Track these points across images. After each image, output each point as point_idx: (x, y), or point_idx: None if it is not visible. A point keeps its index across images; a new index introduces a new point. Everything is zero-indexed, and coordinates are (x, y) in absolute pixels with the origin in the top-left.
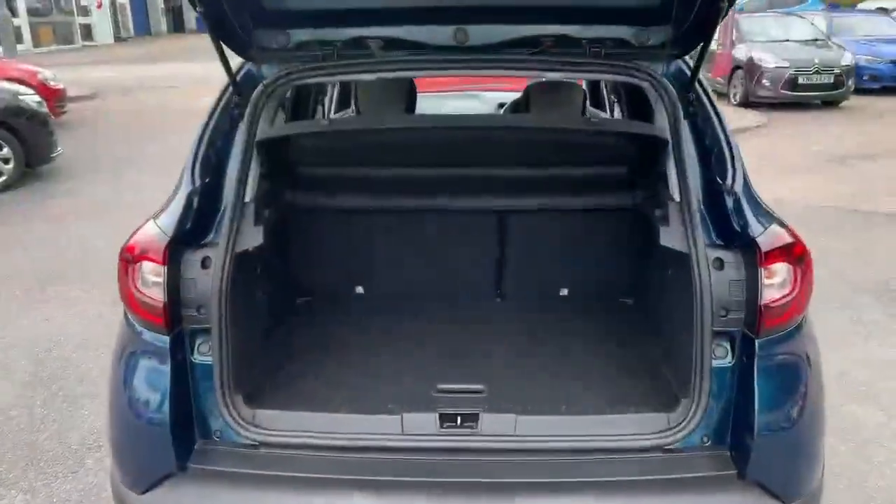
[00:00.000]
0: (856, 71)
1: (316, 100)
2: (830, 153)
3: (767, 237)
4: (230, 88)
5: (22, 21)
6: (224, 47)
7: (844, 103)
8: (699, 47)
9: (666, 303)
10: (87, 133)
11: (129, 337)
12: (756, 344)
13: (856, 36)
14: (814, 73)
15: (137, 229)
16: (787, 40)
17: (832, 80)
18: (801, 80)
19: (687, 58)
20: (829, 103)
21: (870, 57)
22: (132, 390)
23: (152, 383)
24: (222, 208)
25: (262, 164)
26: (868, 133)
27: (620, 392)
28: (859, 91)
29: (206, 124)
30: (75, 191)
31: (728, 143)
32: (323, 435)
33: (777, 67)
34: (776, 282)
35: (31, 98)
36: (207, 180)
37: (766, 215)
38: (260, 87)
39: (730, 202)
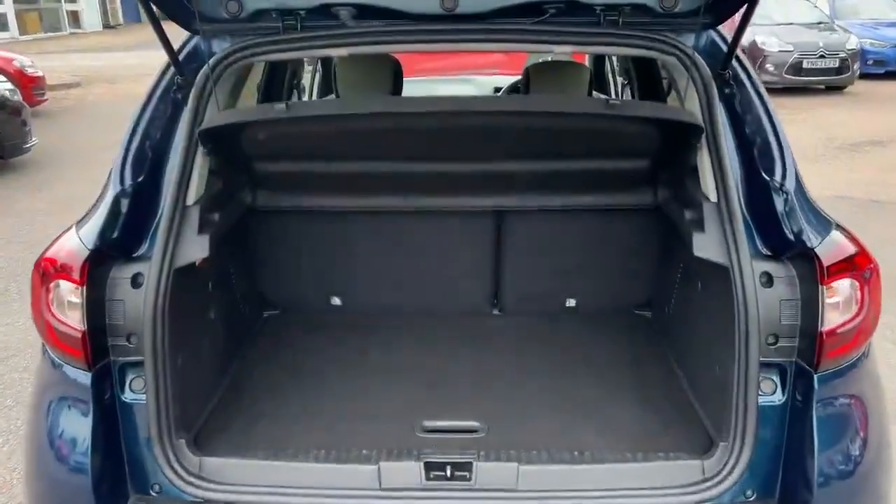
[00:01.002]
0: (860, 55)
1: (293, 83)
2: (840, 140)
3: (828, 247)
4: (171, 68)
5: (7, 8)
6: (161, 17)
7: (849, 88)
8: (741, 10)
9: (696, 323)
10: (69, 123)
11: (47, 373)
12: (815, 379)
13: (860, 18)
14: (818, 58)
15: (57, 239)
16: (791, 23)
17: (837, 65)
18: (805, 65)
19: (720, 28)
20: (833, 88)
21: (874, 41)
22: (49, 438)
23: (72, 430)
24: (158, 214)
25: (212, 160)
26: (876, 119)
27: (643, 432)
28: (863, 76)
29: (141, 112)
30: (49, 184)
31: (775, 130)
32: (283, 491)
33: (781, 51)
34: (839, 302)
35: (1, 86)
36: (140, 180)
37: (823, 219)
38: (206, 67)
39: (779, 203)
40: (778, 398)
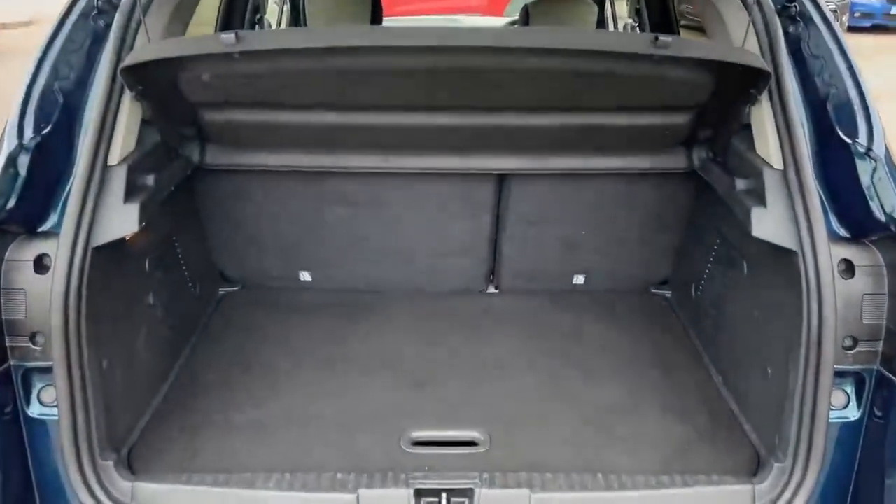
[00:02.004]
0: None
1: (255, 17)
2: None
3: None
4: None
5: None
6: None
7: None
8: None
9: (739, 313)
10: (19, 65)
11: None
12: None
13: None
14: None
15: None
16: None
17: None
18: None
19: None
20: None
21: None
22: None
23: None
24: (71, 178)
25: (145, 107)
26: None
27: (676, 446)
28: (850, 29)
29: (49, 43)
30: None
31: (856, 80)
32: None
33: None
34: None
35: None
36: (47, 132)
37: None
38: None
39: (864, 172)
40: (852, 413)
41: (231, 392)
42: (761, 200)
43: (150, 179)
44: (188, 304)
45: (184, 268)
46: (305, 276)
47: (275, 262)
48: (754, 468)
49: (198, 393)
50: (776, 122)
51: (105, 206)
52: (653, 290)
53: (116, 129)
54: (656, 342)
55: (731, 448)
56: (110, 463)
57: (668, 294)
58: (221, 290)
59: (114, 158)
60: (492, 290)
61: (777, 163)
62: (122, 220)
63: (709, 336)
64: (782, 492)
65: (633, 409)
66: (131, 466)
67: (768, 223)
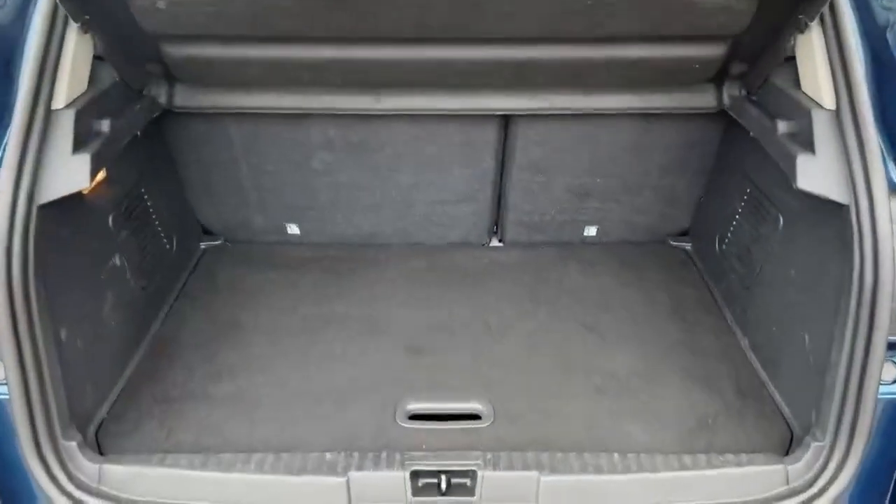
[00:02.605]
0: None
1: None
2: None
3: None
4: None
5: None
6: None
7: None
8: None
9: (772, 271)
10: None
11: None
12: None
13: None
14: None
15: None
16: None
17: None
18: None
19: None
20: None
21: None
22: None
23: None
24: (6, 125)
25: (96, 40)
26: None
27: (699, 420)
28: None
29: None
30: None
31: None
32: None
33: None
34: None
35: None
36: None
37: None
38: None
39: None
40: None
41: (211, 361)
42: (808, 146)
43: (104, 125)
44: (163, 263)
45: (156, 223)
46: (293, 228)
47: (259, 214)
48: (786, 446)
49: (174, 362)
50: (828, 53)
51: (50, 158)
52: (671, 242)
53: (61, 67)
54: (676, 301)
55: (761, 423)
56: (74, 444)
57: (688, 246)
58: (202, 245)
59: (59, 101)
60: (495, 242)
61: (828, 102)
62: (70, 174)
63: (735, 295)
64: (819, 474)
65: (651, 378)
66: (100, 446)
67: (816, 173)
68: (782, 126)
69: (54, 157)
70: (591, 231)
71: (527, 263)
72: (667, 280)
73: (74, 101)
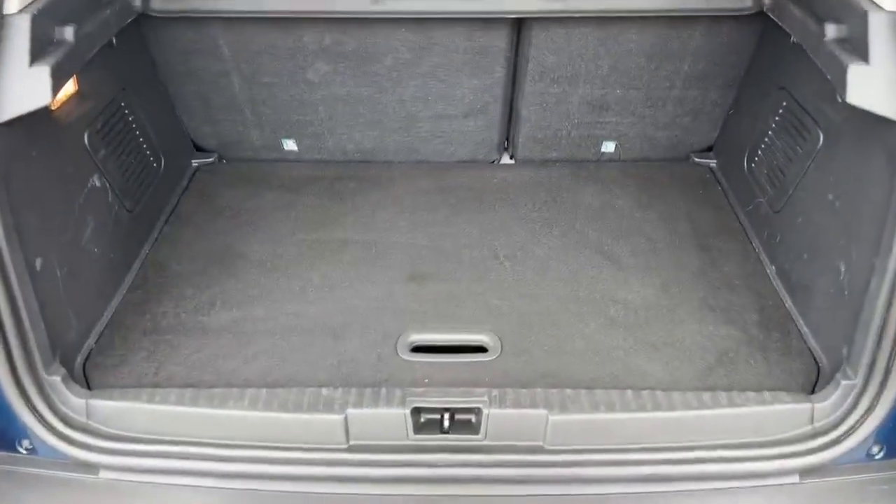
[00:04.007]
0: None
1: None
2: None
3: None
4: None
5: None
6: None
7: None
8: None
9: (807, 194)
10: None
11: None
12: None
13: None
14: None
15: None
16: None
17: None
18: None
19: None
20: None
21: None
22: None
23: None
24: None
25: None
26: None
27: (719, 355)
28: None
29: None
30: None
31: None
32: (210, 452)
33: None
34: None
35: None
36: None
37: None
38: None
39: None
40: None
41: (203, 289)
42: (862, 54)
43: (67, 32)
44: (151, 183)
45: (140, 139)
46: (290, 144)
47: (254, 129)
48: (812, 382)
49: (164, 290)
50: None
51: (4, 71)
52: (695, 159)
53: None
54: (697, 223)
55: (786, 358)
56: (58, 378)
57: (712, 164)
58: (194, 163)
59: (11, 5)
60: (506, 159)
61: (889, 2)
62: (29, 88)
63: (763, 218)
64: (849, 413)
65: (669, 309)
66: (87, 379)
67: (870, 85)
68: (831, 30)
69: (9, 69)
70: (608, 147)
71: (539, 183)
72: (689, 201)
73: (30, 4)
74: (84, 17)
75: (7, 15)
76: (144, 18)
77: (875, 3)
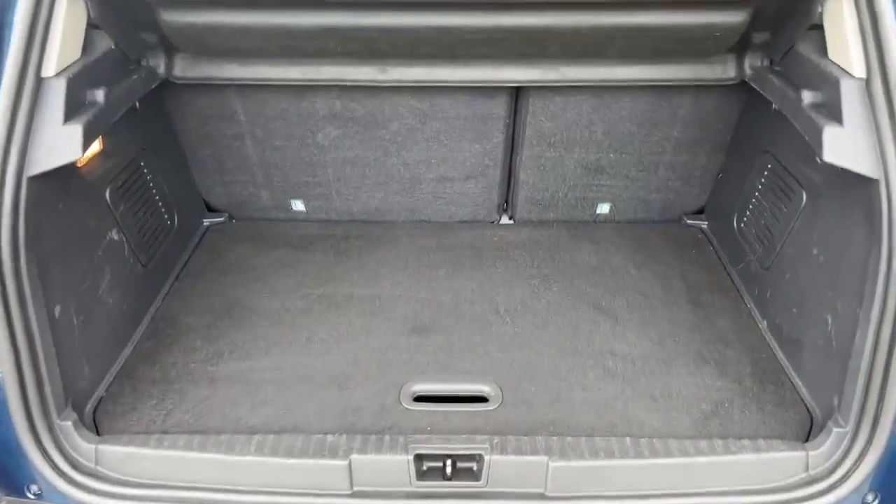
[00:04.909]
0: None
1: None
2: None
3: None
4: None
5: None
6: None
7: None
8: None
9: (794, 251)
10: None
11: None
12: None
13: None
14: None
15: None
16: None
17: None
18: None
19: None
20: None
21: None
22: None
23: None
24: None
25: (89, 5)
26: None
27: (715, 405)
28: None
29: None
30: None
31: None
32: (216, 498)
33: None
34: None
35: None
36: None
37: None
38: None
39: None
40: None
41: (212, 339)
42: (836, 116)
43: (98, 95)
44: (164, 240)
45: (157, 197)
46: (298, 205)
47: (264, 190)
48: (806, 431)
49: (175, 341)
50: (859, 19)
51: (40, 127)
52: (687, 221)
53: (52, 32)
54: (691, 281)
55: (780, 408)
56: (69, 423)
57: (704, 225)
58: (205, 221)
59: (49, 69)
60: (505, 220)
61: (858, 70)
62: (61, 144)
63: (753, 275)
64: (841, 460)
65: (664, 362)
66: (97, 426)
67: (844, 144)
68: (808, 96)
69: (44, 126)
70: (603, 209)
71: (537, 242)
72: (682, 260)
73: (66, 68)
74: (113, 81)
75: (45, 77)
76: (166, 84)
77: (846, 72)
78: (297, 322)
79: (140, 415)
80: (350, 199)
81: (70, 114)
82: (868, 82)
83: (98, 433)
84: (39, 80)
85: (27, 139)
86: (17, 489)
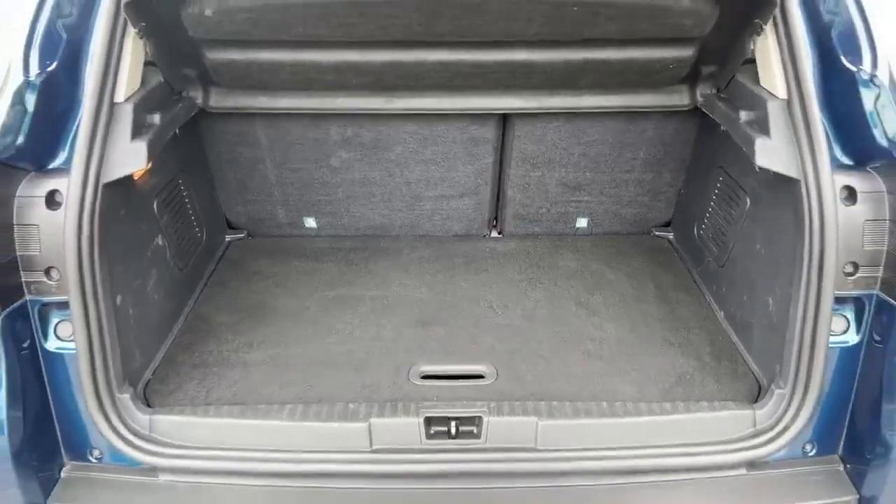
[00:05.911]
0: None
1: None
2: None
3: None
4: None
5: None
6: None
7: None
8: None
9: (741, 247)
10: None
11: None
12: None
13: None
14: None
15: None
16: None
17: None
18: None
19: None
20: None
21: None
22: None
23: None
24: (78, 115)
25: (148, 46)
26: None
27: (679, 377)
28: None
29: None
30: None
31: (860, 8)
32: (253, 455)
33: None
34: None
35: None
36: (52, 68)
37: None
38: None
39: (868, 99)
40: (851, 338)
41: (242, 333)
42: (765, 130)
43: (155, 118)
44: (195, 249)
45: (190, 212)
46: (310, 222)
47: (281, 209)
48: (755, 396)
49: (209, 335)
50: (781, 52)
51: (113, 143)
52: (655, 233)
53: (121, 66)
54: (659, 281)
55: (733, 378)
56: (127, 396)
57: (670, 236)
58: (227, 237)
59: (119, 96)
60: (494, 234)
61: (781, 92)
62: (130, 157)
63: (711, 274)
64: (782, 416)
65: (636, 343)
66: (148, 400)
67: (772, 152)
68: (744, 115)
69: (117, 142)
70: (582, 223)
71: (524, 252)
72: (651, 265)
73: (131, 96)
74: (164, 108)
75: (117, 103)
76: (201, 113)
77: (772, 94)
78: (316, 318)
79: (184, 393)
80: (357, 216)
81: (135, 132)
82: (789, 102)
83: (149, 406)
84: (112, 105)
85: (103, 152)
86: (81, 455)
